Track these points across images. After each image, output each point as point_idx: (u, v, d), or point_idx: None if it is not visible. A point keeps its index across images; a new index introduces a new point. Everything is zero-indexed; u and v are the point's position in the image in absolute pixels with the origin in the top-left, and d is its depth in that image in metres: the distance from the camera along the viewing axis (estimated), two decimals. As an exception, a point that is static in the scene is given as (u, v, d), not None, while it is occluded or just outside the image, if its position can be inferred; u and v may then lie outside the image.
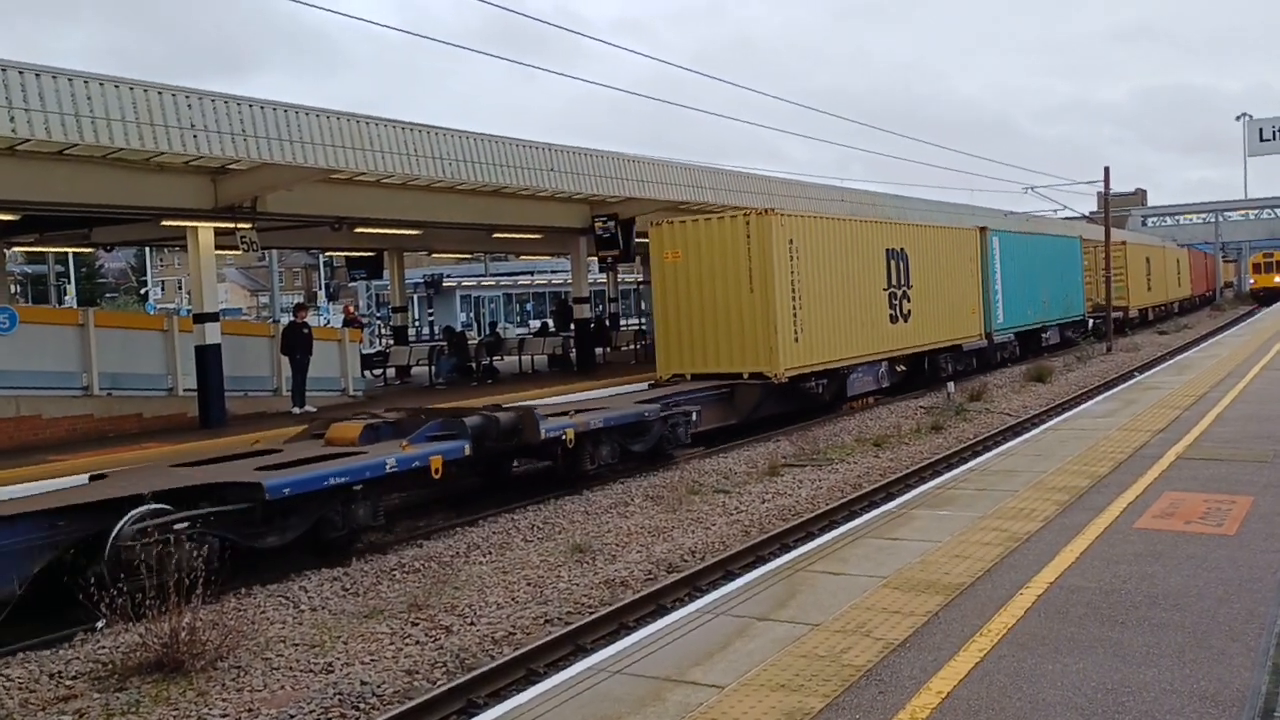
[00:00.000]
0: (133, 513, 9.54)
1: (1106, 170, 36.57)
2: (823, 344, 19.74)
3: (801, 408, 20.15)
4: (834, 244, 20.40)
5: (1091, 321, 37.93)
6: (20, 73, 10.94)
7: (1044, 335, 33.24)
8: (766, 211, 18.62)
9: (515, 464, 15.16)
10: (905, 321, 22.95)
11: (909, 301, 23.09)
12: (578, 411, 14.81)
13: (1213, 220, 79.10)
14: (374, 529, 11.83)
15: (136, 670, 7.98)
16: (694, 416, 16.64)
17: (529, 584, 10.23)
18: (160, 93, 12.26)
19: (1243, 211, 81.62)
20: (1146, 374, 22.02)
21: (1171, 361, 24.89)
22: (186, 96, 12.50)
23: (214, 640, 8.24)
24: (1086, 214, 53.77)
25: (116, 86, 11.88)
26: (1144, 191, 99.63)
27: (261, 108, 13.44)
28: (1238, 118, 77.46)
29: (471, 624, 9.12)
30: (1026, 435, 13.63)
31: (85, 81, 11.59)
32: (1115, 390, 18.78)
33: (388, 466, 11.44)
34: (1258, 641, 5.27)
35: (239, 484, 10.41)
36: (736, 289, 18.42)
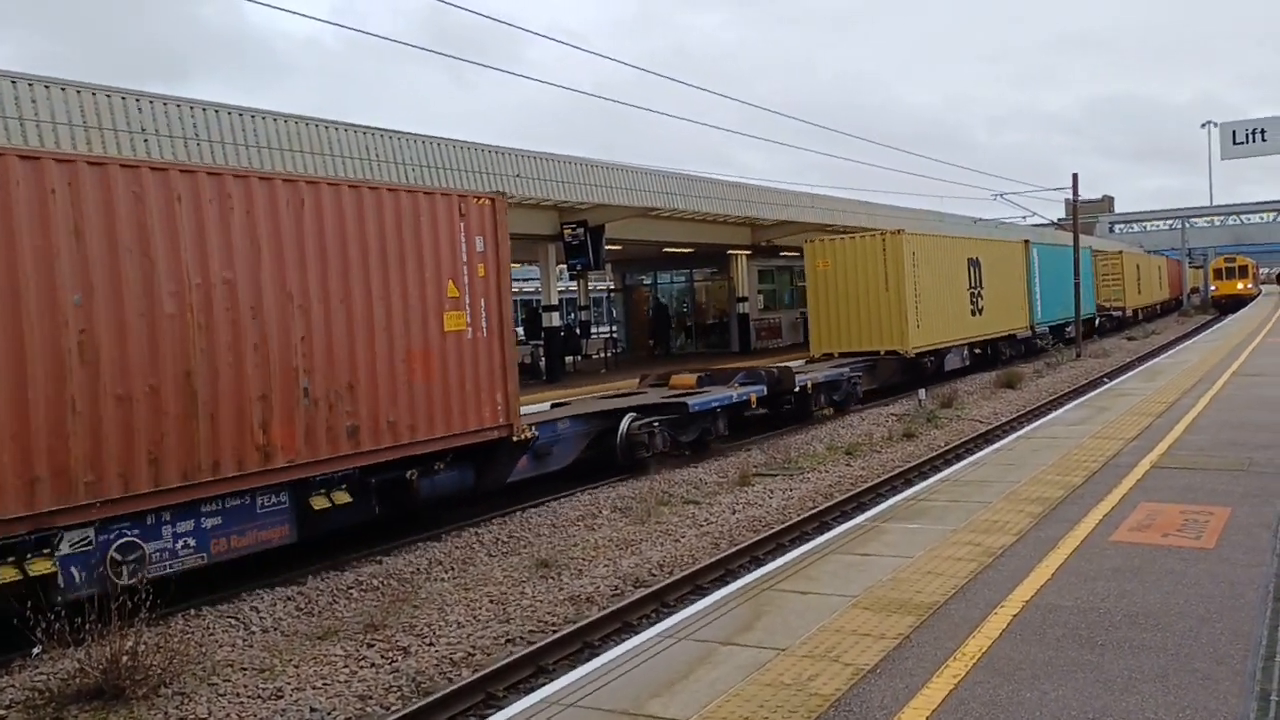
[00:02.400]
0: (628, 415, 15.93)
1: (1075, 177, 36.65)
2: (933, 329, 25.54)
3: (916, 377, 25.59)
4: (937, 255, 26.22)
5: (1098, 319, 44.15)
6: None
7: (1066, 329, 37.98)
8: (898, 232, 24.48)
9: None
10: (980, 315, 29.09)
11: (982, 299, 29.16)
12: (811, 370, 21.83)
13: (1179, 227, 79.82)
14: (724, 437, 17.96)
15: (75, 698, 7.60)
16: (860, 379, 22.99)
17: (491, 601, 9.91)
18: (109, 95, 11.86)
19: (1209, 218, 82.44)
20: (1117, 380, 21.99)
21: (1141, 367, 24.89)
22: (136, 100, 12.11)
23: (158, 664, 7.87)
24: (1055, 220, 54.01)
25: (63, 89, 11.47)
26: (1111, 198, 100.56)
27: (216, 111, 13.06)
28: (1202, 125, 78.44)
29: (430, 645, 8.79)
30: (998, 444, 13.43)
31: (30, 84, 11.18)
32: (1086, 397, 18.68)
33: (734, 398, 17.79)
34: (1243, 664, 5.04)
35: (673, 403, 16.69)
36: (875, 288, 24.12)
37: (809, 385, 20.59)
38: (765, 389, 18.81)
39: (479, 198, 12.69)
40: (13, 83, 10.86)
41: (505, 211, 13.04)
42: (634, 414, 16.05)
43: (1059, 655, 5.29)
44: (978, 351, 30.00)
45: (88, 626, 7.77)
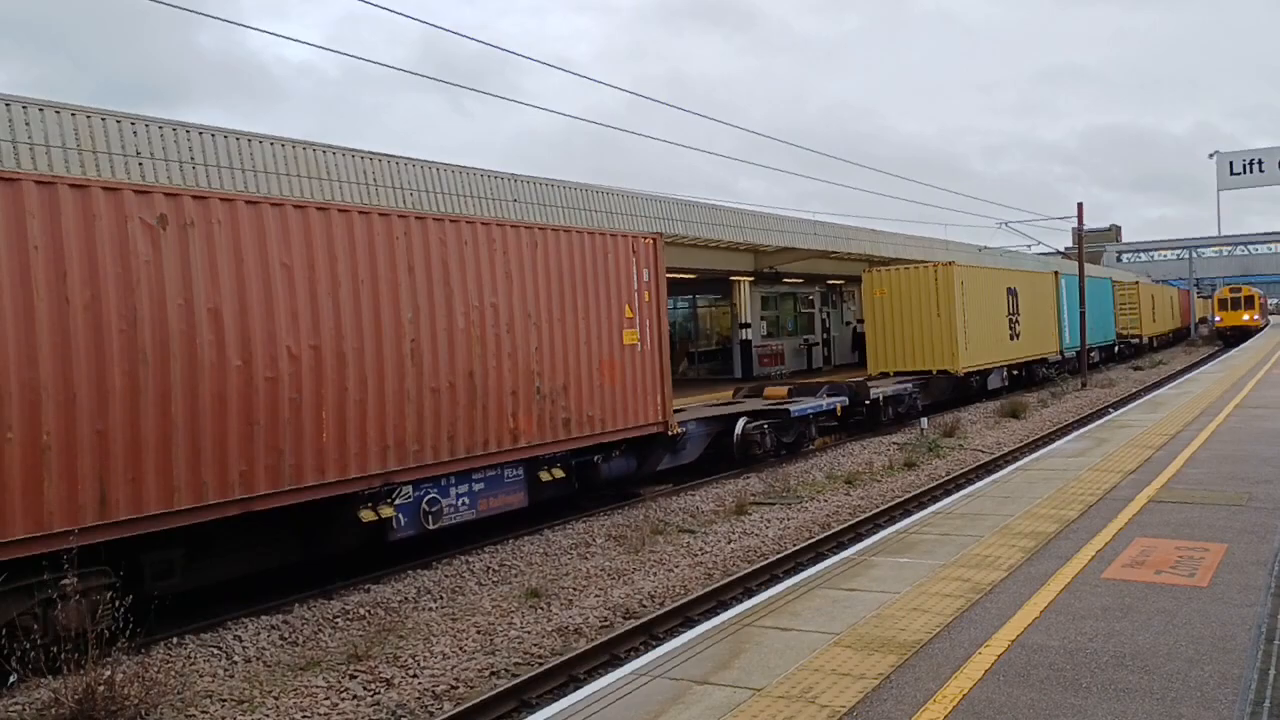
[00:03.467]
0: (742, 418, 18.64)
1: (1080, 206, 36.56)
2: (979, 352, 27.93)
3: (963, 395, 28.56)
4: (982, 284, 28.58)
5: (1117, 346, 47.01)
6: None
7: (1091, 355, 40.04)
8: (950, 264, 27.06)
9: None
10: (1018, 339, 31.46)
11: (1019, 324, 31.57)
12: (879, 385, 24.30)
13: (1186, 256, 79.61)
14: (813, 439, 21.15)
15: (49, 729, 7.47)
16: (918, 394, 25.50)
17: (479, 632, 9.79)
18: (104, 119, 11.86)
19: (1216, 248, 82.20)
20: (1119, 411, 21.81)
21: (1145, 398, 24.69)
22: (132, 123, 12.11)
23: (135, 695, 7.74)
24: (1062, 249, 53.88)
25: (58, 112, 11.48)
26: (1118, 227, 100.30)
27: (213, 135, 13.06)
28: (1210, 155, 78.28)
29: (414, 676, 8.67)
30: (995, 476, 13.26)
31: (24, 107, 11.18)
32: (1088, 428, 18.50)
33: (824, 406, 20.68)
34: (1231, 710, 4.90)
35: (777, 410, 19.48)
36: (928, 314, 26.48)
37: (880, 398, 23.41)
38: (847, 399, 21.67)
39: (645, 238, 15.69)
40: (6, 105, 10.86)
41: (663, 248, 16.05)
42: (746, 418, 18.77)
43: (1042, 698, 5.15)
44: (1015, 373, 32.26)
45: (64, 655, 7.67)
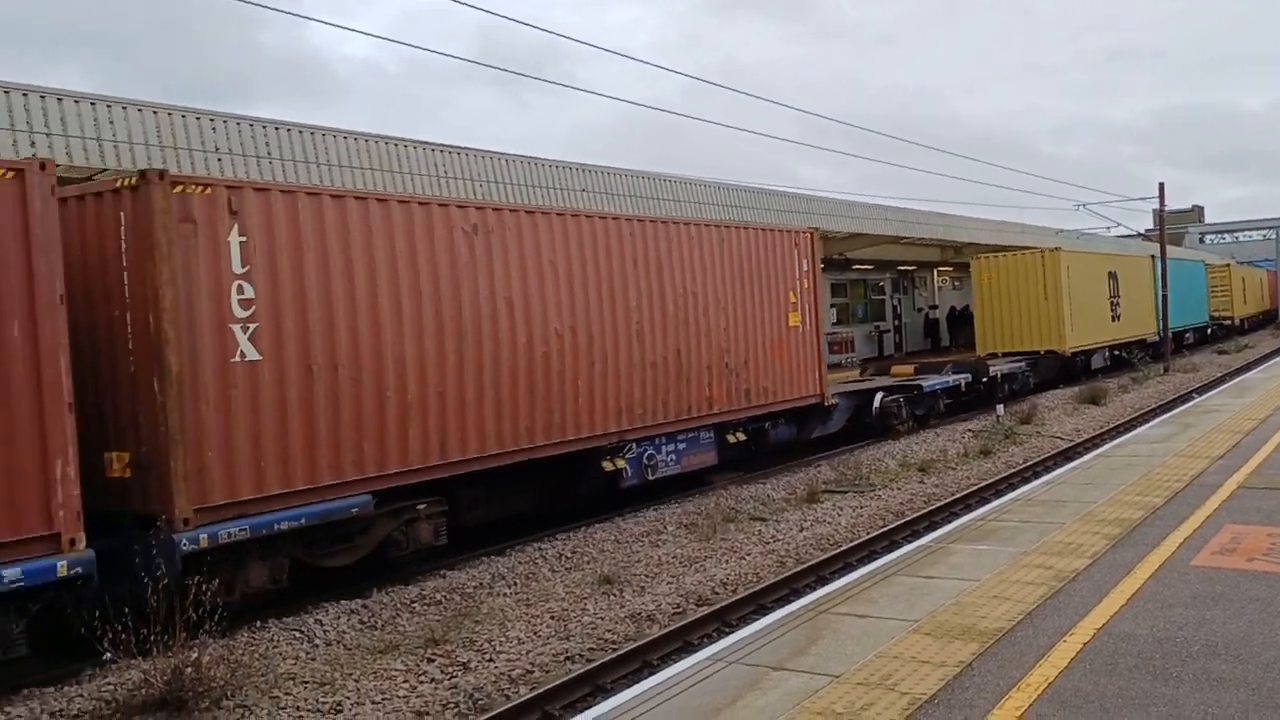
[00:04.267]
0: (879, 392, 20.50)
1: (1161, 186, 35.60)
2: (1084, 332, 29.46)
3: (1069, 374, 29.81)
4: (1085, 269, 30.15)
5: (1210, 329, 48.70)
6: (42, 97, 10.85)
7: (1185, 335, 42.49)
8: (1056, 250, 28.72)
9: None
10: (1118, 321, 32.92)
11: (1120, 307, 33.03)
12: (996, 363, 26.12)
13: (1273, 237, 76.88)
14: (940, 412, 22.72)
15: (140, 709, 7.69)
16: (1030, 373, 27.36)
17: (553, 617, 9.85)
18: (184, 116, 12.14)
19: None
20: (1205, 396, 21.17)
21: (1231, 383, 23.95)
22: (210, 120, 12.36)
23: (221, 676, 7.94)
24: (1142, 231, 52.43)
25: (140, 110, 11.78)
26: (1200, 208, 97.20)
27: (287, 130, 13.29)
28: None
29: (490, 660, 8.75)
30: (1076, 462, 12.97)
31: (109, 106, 11.49)
32: (1172, 413, 18.00)
33: (951, 382, 22.63)
34: (1330, 701, 4.71)
35: (910, 385, 21.56)
36: (1035, 297, 28.04)
37: (998, 375, 25.07)
38: (971, 376, 23.29)
39: (805, 231, 17.91)
40: (91, 105, 11.17)
41: (818, 241, 18.19)
42: (882, 392, 20.63)
43: (1130, 687, 5.01)
44: (1116, 353, 33.23)
45: (153, 637, 7.88)
